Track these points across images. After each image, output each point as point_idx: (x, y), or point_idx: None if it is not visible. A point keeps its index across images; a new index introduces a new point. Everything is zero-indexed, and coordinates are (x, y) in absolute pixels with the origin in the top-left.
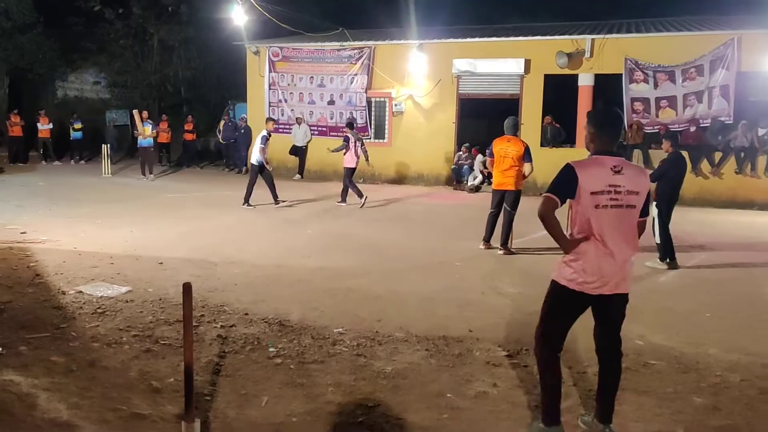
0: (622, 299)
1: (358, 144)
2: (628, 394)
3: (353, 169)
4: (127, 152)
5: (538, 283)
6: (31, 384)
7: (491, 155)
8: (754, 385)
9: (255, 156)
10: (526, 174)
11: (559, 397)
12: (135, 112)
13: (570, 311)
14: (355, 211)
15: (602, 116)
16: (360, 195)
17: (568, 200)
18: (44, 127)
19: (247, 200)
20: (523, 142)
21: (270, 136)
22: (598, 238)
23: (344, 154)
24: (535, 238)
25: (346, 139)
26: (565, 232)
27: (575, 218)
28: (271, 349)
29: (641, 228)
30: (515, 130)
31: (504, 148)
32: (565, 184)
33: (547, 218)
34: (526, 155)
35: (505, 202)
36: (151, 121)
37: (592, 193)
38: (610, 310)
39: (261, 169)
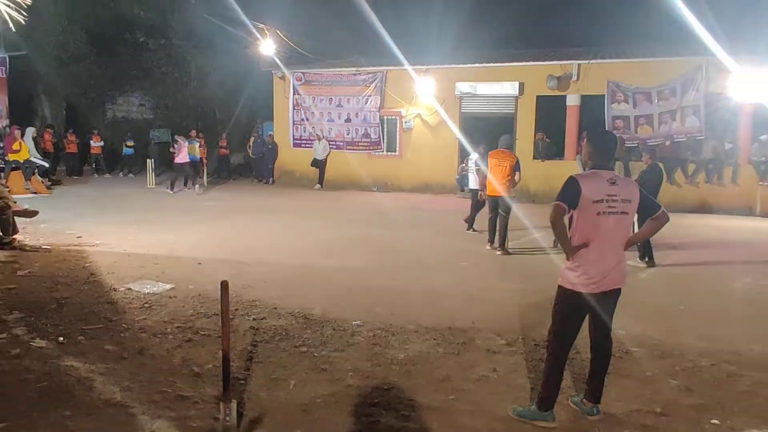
0: (617, 293)
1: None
2: (611, 377)
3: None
4: (167, 166)
5: (532, 280)
6: (89, 369)
7: (486, 166)
8: (722, 369)
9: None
10: (516, 181)
11: (559, 388)
12: (179, 138)
13: (578, 311)
14: (370, 217)
15: (600, 138)
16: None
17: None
18: (96, 144)
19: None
20: (514, 155)
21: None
22: (598, 242)
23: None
24: (530, 240)
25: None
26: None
27: (577, 226)
28: (324, 359)
29: (661, 221)
30: (509, 145)
31: (498, 160)
32: (571, 193)
33: (557, 224)
34: (517, 166)
35: (500, 208)
36: (198, 139)
37: (594, 202)
38: (607, 303)
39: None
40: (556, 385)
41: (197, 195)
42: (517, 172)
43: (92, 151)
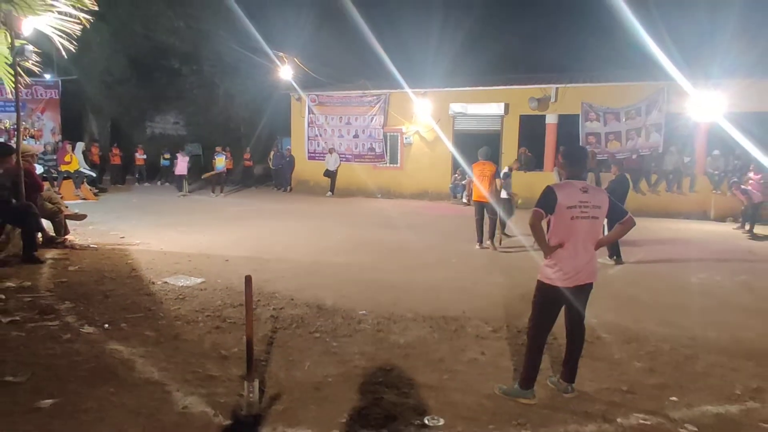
0: (590, 287)
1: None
2: (585, 360)
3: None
4: (199, 176)
5: (517, 275)
6: (131, 352)
7: (471, 176)
8: (680, 353)
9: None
10: (498, 187)
11: (537, 369)
12: (179, 153)
13: (555, 303)
14: (374, 220)
15: (573, 151)
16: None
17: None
18: (141, 156)
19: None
20: (494, 164)
21: (510, 172)
22: (572, 243)
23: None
24: (514, 240)
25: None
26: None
27: (553, 229)
28: (335, 344)
29: (628, 225)
30: (488, 155)
31: (481, 169)
32: (548, 201)
33: (535, 227)
34: (497, 173)
35: (487, 212)
36: (224, 153)
37: (568, 207)
38: (580, 296)
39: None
40: (535, 367)
41: (219, 200)
42: (497, 179)
43: (137, 163)
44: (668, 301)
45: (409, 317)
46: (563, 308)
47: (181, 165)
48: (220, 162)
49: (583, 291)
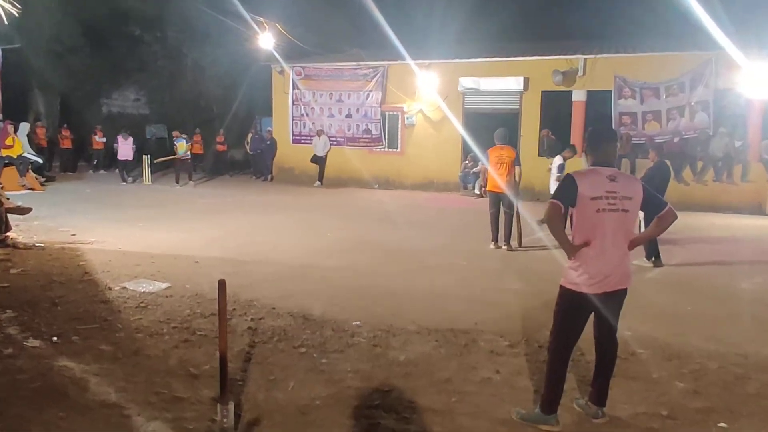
0: (623, 294)
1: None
2: (617, 379)
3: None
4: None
5: (537, 280)
6: (83, 369)
7: (487, 162)
8: (729, 371)
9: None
10: (517, 177)
11: (562, 390)
12: (120, 135)
13: (580, 312)
14: (371, 215)
15: (598, 134)
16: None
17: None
18: (100, 140)
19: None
20: (513, 148)
21: (565, 162)
22: (599, 241)
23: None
24: (534, 239)
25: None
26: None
27: (577, 224)
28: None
29: (668, 220)
30: (506, 138)
31: (499, 155)
32: (566, 191)
33: (552, 222)
34: (516, 159)
35: (503, 205)
36: (184, 136)
37: (592, 199)
38: (611, 304)
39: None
40: (558, 388)
41: (186, 190)
42: (517, 166)
43: (95, 147)
44: (715, 312)
45: (411, 330)
46: (591, 319)
47: (124, 149)
48: (182, 147)
49: (615, 298)
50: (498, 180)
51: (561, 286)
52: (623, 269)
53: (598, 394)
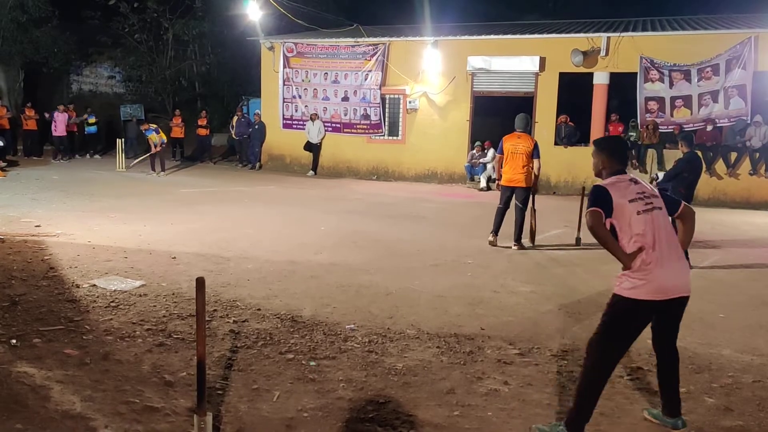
0: (685, 302)
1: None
2: (639, 393)
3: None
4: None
5: (550, 282)
6: (45, 376)
7: (500, 152)
8: (766, 387)
9: None
10: (536, 171)
11: (594, 407)
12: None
13: (637, 322)
14: (368, 209)
15: (610, 143)
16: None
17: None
18: (72, 120)
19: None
20: (532, 138)
21: None
22: (653, 243)
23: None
24: (548, 237)
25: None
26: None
27: (623, 234)
28: (312, 363)
29: (691, 218)
30: (526, 126)
31: (514, 144)
32: (603, 200)
33: (598, 230)
34: (535, 151)
35: (516, 199)
36: (154, 126)
37: (630, 201)
38: (674, 313)
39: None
40: (594, 405)
41: (163, 179)
42: (536, 159)
43: (69, 129)
44: (750, 320)
45: (411, 334)
46: (651, 329)
47: (60, 125)
48: (153, 138)
49: (676, 307)
50: (511, 173)
51: (615, 295)
52: (684, 274)
53: (671, 404)
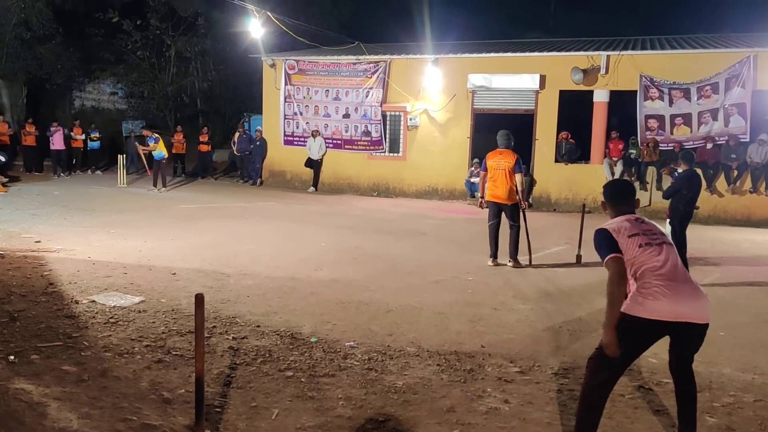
0: (701, 329)
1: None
2: (640, 412)
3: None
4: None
5: (551, 299)
6: (42, 393)
7: (484, 169)
8: (767, 406)
9: None
10: (518, 186)
11: (596, 427)
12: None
13: (636, 341)
14: (369, 225)
15: (614, 189)
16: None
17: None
18: (78, 137)
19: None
20: (514, 153)
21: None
22: (657, 268)
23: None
24: (548, 254)
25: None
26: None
27: (632, 268)
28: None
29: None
30: (509, 143)
31: (497, 161)
32: (608, 242)
33: (618, 283)
34: (517, 167)
35: (507, 217)
36: (155, 135)
37: (630, 236)
38: (688, 339)
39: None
40: (596, 423)
41: (164, 195)
42: (518, 174)
43: (73, 145)
44: (751, 339)
45: (411, 352)
46: (670, 351)
47: (58, 139)
48: (152, 147)
49: (695, 332)
50: (496, 189)
51: (623, 314)
52: (697, 300)
53: (688, 427)
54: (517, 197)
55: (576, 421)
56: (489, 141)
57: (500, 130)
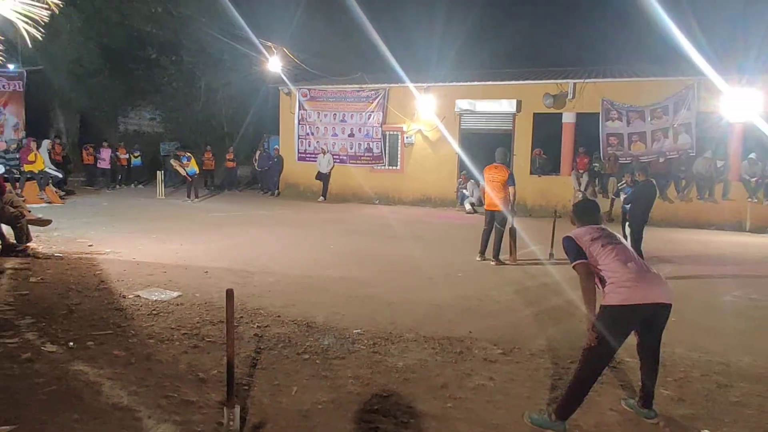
0: (667, 309)
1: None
2: (606, 387)
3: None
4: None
5: (529, 292)
6: (97, 374)
7: (484, 181)
8: (712, 380)
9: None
10: (510, 196)
11: (582, 403)
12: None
13: (623, 327)
14: (371, 229)
15: (579, 210)
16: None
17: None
18: (122, 156)
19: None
20: (507, 168)
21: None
22: (625, 262)
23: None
24: (526, 252)
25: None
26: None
27: (597, 271)
28: (326, 342)
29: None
30: (504, 159)
31: (492, 174)
32: (573, 248)
33: (587, 283)
34: (510, 180)
35: (495, 221)
36: (189, 155)
37: (592, 240)
38: (657, 321)
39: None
40: (581, 400)
41: (197, 205)
42: (511, 186)
43: (119, 163)
44: (698, 323)
45: (409, 338)
46: (636, 335)
47: (105, 158)
48: (185, 165)
49: (660, 312)
50: (493, 198)
51: (603, 306)
52: (661, 283)
53: (648, 398)
54: (509, 206)
55: (566, 395)
56: (475, 157)
57: (492, 147)
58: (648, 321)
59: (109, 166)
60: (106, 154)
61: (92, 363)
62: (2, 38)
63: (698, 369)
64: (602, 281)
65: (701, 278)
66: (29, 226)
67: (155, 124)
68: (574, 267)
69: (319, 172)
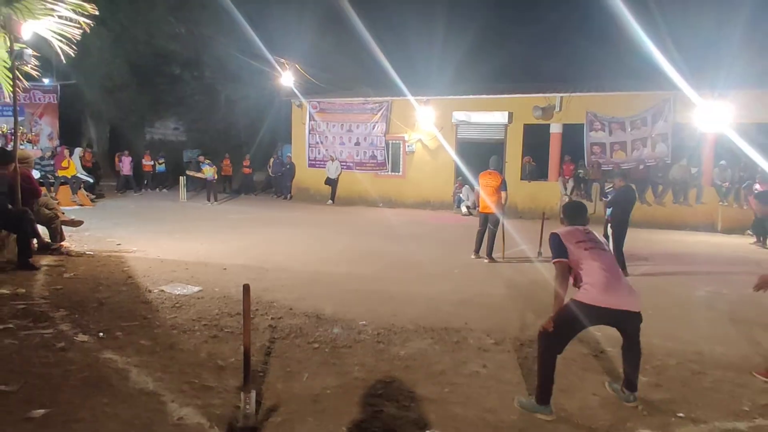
0: (635, 316)
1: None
2: (589, 374)
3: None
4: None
5: (518, 286)
6: (125, 361)
7: (479, 186)
8: (687, 367)
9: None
10: (503, 201)
11: (553, 383)
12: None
13: (579, 321)
14: (376, 230)
15: (569, 209)
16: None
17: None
18: (148, 163)
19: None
20: (500, 175)
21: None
22: (598, 268)
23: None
24: (516, 251)
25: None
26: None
27: (577, 270)
28: (334, 332)
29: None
30: (497, 166)
31: (486, 180)
32: (558, 246)
33: (559, 279)
34: (502, 185)
35: (489, 222)
36: (209, 161)
37: (576, 242)
38: (629, 326)
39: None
40: (551, 381)
41: (216, 207)
42: (503, 191)
43: (144, 169)
44: (674, 315)
45: (410, 329)
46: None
47: (126, 165)
48: (206, 171)
49: (630, 319)
50: (487, 202)
51: (572, 299)
52: (630, 293)
53: (630, 383)
54: (502, 209)
55: (538, 380)
56: (470, 164)
57: (486, 155)
58: (620, 326)
59: (130, 173)
60: (126, 161)
61: (120, 351)
62: (39, 54)
63: (674, 357)
64: (578, 279)
65: (677, 275)
66: (63, 226)
67: (179, 133)
68: (553, 263)
69: (328, 178)
